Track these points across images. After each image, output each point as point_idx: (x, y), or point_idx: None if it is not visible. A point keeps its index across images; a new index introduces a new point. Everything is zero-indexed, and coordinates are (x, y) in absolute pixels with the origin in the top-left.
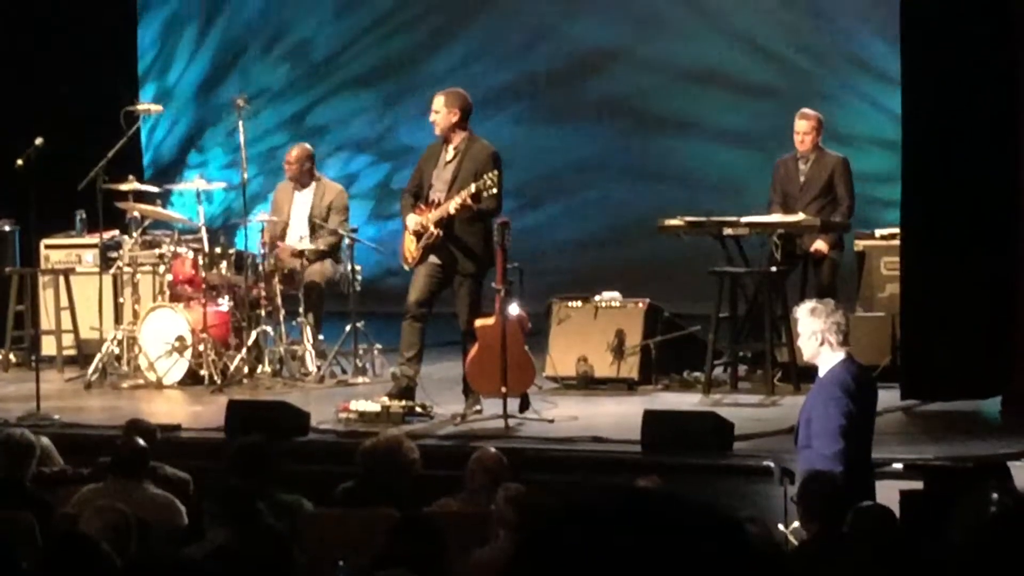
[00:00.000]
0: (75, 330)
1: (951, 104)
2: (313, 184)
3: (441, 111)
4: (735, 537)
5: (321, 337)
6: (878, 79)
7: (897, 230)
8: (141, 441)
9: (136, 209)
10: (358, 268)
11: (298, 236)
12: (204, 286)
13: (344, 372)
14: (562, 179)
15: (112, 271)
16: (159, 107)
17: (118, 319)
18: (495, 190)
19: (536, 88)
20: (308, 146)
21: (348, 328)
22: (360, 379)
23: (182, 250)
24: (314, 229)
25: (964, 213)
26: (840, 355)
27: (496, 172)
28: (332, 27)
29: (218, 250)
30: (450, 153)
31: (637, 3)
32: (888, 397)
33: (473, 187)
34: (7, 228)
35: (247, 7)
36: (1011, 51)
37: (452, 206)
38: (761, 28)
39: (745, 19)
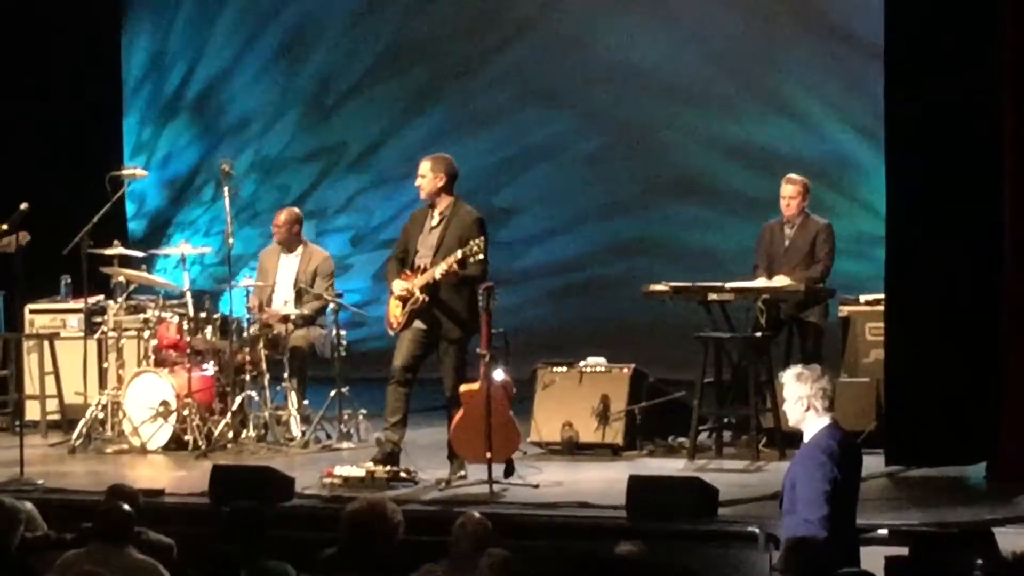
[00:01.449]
0: (59, 395)
1: (935, 172)
2: (300, 249)
3: (427, 176)
4: None
5: (306, 402)
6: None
7: (881, 296)
8: (126, 506)
9: (121, 274)
10: (343, 333)
11: (283, 300)
12: (189, 351)
13: (329, 437)
14: (548, 243)
15: (97, 336)
16: (144, 172)
17: (102, 384)
18: (481, 256)
19: (528, 156)
20: (296, 210)
21: (333, 393)
22: (345, 444)
23: (167, 315)
24: (299, 294)
25: (948, 279)
26: (825, 420)
27: (482, 238)
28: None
29: (203, 315)
30: (435, 218)
31: (656, 73)
32: (873, 463)
33: (459, 253)
34: None
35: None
36: (995, 115)
37: (438, 272)
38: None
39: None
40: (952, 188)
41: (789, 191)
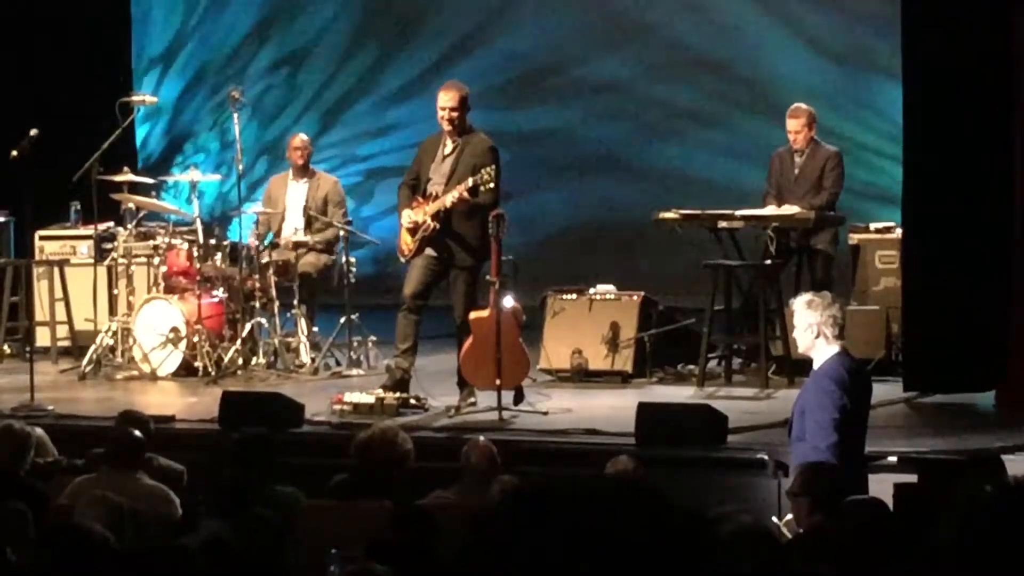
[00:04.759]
0: (69, 321)
1: (950, 101)
2: (308, 176)
3: (459, 108)
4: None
5: (316, 329)
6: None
7: (891, 224)
8: (137, 432)
9: (131, 201)
10: (352, 260)
11: (293, 228)
12: (199, 278)
13: (338, 364)
14: (559, 171)
15: (107, 263)
16: (154, 98)
17: (112, 311)
18: (492, 184)
19: (534, 77)
20: (307, 136)
21: (343, 320)
22: (354, 371)
23: (177, 242)
24: (310, 222)
25: (963, 207)
26: (835, 348)
27: (494, 166)
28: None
29: (213, 242)
30: (449, 146)
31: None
32: (883, 390)
33: (471, 181)
34: (2, 219)
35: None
36: (1009, 42)
37: (449, 199)
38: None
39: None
40: (967, 114)
41: (794, 125)
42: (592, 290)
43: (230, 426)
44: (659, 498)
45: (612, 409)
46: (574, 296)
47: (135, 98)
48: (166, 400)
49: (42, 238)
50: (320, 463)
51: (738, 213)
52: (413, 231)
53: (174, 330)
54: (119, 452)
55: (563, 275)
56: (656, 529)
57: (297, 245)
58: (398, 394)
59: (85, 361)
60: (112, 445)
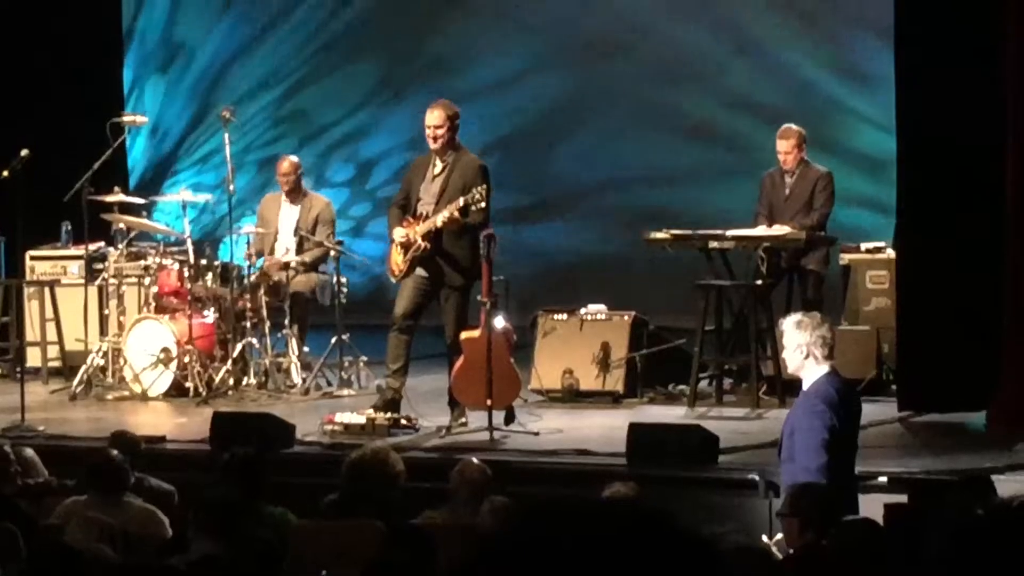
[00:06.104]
0: (60, 342)
1: (945, 121)
2: (300, 198)
3: (444, 125)
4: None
5: (307, 349)
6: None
7: (882, 244)
8: (115, 452)
9: (121, 221)
10: (344, 280)
11: (285, 248)
12: (189, 298)
13: (329, 384)
14: (550, 192)
15: (97, 283)
16: (145, 118)
17: (103, 331)
18: (483, 204)
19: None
20: (296, 158)
21: (334, 340)
22: (345, 391)
23: (167, 262)
24: (301, 242)
25: (957, 229)
26: (824, 368)
27: (485, 186)
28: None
29: (203, 262)
30: (438, 166)
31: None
32: (873, 410)
33: (461, 201)
34: None
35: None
36: (1001, 60)
37: (440, 219)
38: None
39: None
40: (961, 135)
41: (784, 146)
42: (583, 310)
43: (221, 446)
44: (663, 520)
45: (603, 429)
46: (565, 316)
47: (126, 118)
48: (157, 420)
49: (33, 258)
50: (311, 483)
51: (729, 233)
52: (404, 250)
53: (165, 350)
54: (101, 475)
55: (554, 294)
56: (660, 552)
57: (285, 265)
58: (389, 414)
59: (76, 381)
60: (94, 469)
